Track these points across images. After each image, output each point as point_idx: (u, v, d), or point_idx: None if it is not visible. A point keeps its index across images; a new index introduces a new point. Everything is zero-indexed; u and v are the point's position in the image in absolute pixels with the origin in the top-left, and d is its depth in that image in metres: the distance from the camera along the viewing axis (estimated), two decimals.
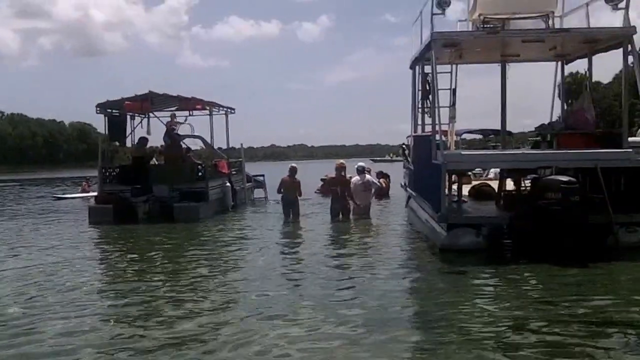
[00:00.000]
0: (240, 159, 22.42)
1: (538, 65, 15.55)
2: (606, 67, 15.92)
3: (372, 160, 38.32)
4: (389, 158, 71.86)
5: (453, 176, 12.51)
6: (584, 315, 6.41)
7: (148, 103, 18.50)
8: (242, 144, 24.01)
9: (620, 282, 8.18)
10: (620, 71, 12.43)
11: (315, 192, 23.07)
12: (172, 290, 8.06)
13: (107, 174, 17.96)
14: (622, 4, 11.02)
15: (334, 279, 8.61)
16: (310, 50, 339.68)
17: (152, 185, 17.11)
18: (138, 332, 6.16)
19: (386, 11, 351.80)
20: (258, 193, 23.33)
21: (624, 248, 9.85)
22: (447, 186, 11.17)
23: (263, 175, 24.24)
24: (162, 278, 8.98)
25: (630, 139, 12.18)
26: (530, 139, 21.45)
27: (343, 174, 16.01)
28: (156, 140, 19.86)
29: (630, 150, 11.04)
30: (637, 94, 11.36)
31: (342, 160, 16.69)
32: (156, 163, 18.94)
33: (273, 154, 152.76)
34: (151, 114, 20.15)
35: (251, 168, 25.46)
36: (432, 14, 11.28)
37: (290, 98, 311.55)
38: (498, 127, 15.36)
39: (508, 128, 18.11)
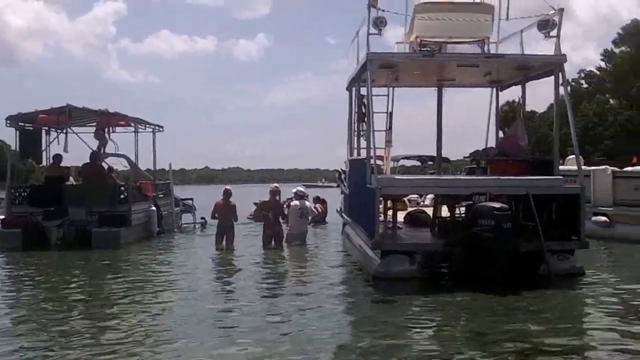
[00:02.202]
0: (169, 181, 22.13)
1: (476, 92, 16.14)
2: (541, 96, 16.69)
3: (304, 185, 38.81)
4: (320, 183, 72.64)
5: (388, 202, 12.82)
6: (516, 345, 6.59)
7: (65, 117, 17.64)
8: (170, 165, 23.71)
9: (552, 310, 8.46)
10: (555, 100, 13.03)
11: (248, 218, 23.04)
12: (81, 327, 7.72)
13: (17, 194, 17.17)
14: (554, 32, 11.61)
15: (261, 309, 8.63)
16: (248, 69, 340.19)
17: (68, 207, 16.43)
18: None
19: (325, 33, 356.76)
20: (187, 218, 23.03)
21: (556, 275, 10.20)
22: (381, 212, 11.39)
23: (192, 199, 23.95)
24: (74, 311, 8.68)
25: (561, 167, 12.77)
26: (467, 166, 22.12)
27: (277, 198, 16.03)
28: (73, 158, 19.31)
29: (561, 177, 11.58)
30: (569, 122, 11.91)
31: (276, 184, 16.74)
32: (73, 183, 18.40)
33: (207, 176, 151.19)
34: (69, 130, 19.36)
35: (182, 191, 25.08)
36: (369, 34, 11.54)
37: (226, 119, 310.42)
38: (434, 153, 15.84)
39: (447, 154, 18.69)
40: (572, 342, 6.90)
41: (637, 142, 45.22)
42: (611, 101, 59.49)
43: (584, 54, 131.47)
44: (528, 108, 14.86)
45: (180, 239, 18.59)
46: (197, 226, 21.90)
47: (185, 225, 22.08)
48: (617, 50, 61.34)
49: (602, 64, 63.15)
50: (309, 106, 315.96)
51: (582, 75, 61.30)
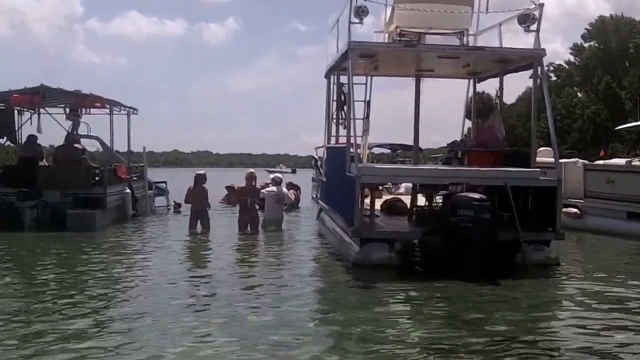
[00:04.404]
0: (142, 164, 21.97)
1: (448, 82, 16.27)
2: (511, 88, 16.92)
3: (267, 170, 38.83)
4: (279, 169, 73.15)
5: (366, 190, 12.92)
6: (491, 334, 6.73)
7: (39, 97, 17.30)
8: (144, 148, 23.56)
9: (528, 298, 8.65)
10: (524, 93, 13.25)
11: (220, 202, 22.98)
12: (57, 307, 7.69)
13: None
14: (534, 27, 11.78)
15: (239, 294, 8.65)
16: (218, 53, 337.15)
17: (42, 189, 16.31)
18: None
19: (295, 19, 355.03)
20: (160, 201, 22.93)
21: (532, 265, 10.48)
22: (360, 200, 11.48)
23: (165, 183, 23.85)
24: (49, 292, 8.58)
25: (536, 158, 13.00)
26: (433, 155, 22.34)
27: (253, 183, 16.06)
28: (47, 138, 18.99)
29: (539, 170, 11.80)
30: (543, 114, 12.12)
31: (252, 170, 16.74)
32: (47, 165, 18.19)
33: (176, 160, 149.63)
34: (42, 110, 18.98)
35: (153, 174, 24.93)
36: (350, 22, 11.58)
37: (195, 102, 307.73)
38: (404, 141, 15.98)
39: (420, 144, 18.84)
40: (546, 330, 7.14)
41: (604, 135, 46.13)
42: (579, 95, 60.44)
43: (552, 48, 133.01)
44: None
45: (155, 222, 18.50)
46: (170, 209, 21.86)
47: (158, 208, 22.03)
48: (586, 45, 62.32)
49: (571, 58, 64.13)
50: (277, 91, 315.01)
51: (551, 68, 62.08)
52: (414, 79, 14.99)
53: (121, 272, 10.36)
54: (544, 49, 12.00)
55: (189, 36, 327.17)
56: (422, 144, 21.20)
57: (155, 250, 12.87)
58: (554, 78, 61.92)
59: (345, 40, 11.87)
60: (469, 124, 16.58)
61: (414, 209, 12.66)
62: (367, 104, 15.00)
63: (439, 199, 12.81)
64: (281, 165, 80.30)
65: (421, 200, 13.20)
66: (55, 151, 18.51)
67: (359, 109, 13.57)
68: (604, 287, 9.48)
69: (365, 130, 15.06)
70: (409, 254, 11.61)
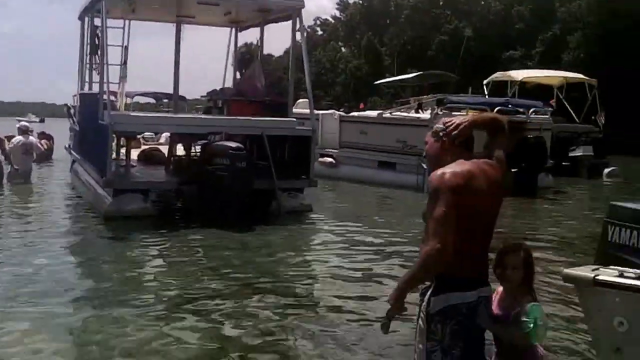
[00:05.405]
0: None
1: (214, 31, 16.19)
2: (279, 40, 17.27)
3: (17, 120, 36.15)
4: (27, 119, 69.08)
5: (122, 139, 12.54)
6: (248, 276, 7.04)
7: None
8: None
9: (282, 244, 9.08)
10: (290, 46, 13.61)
11: None
12: None
13: None
14: None
15: None
16: None
17: None
18: None
19: None
20: None
21: (286, 212, 10.94)
22: (114, 149, 11.14)
23: None
24: None
25: (295, 110, 13.52)
26: (198, 106, 22.33)
27: None
28: None
29: (295, 120, 12.27)
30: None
31: None
32: None
33: None
34: None
35: None
36: None
37: None
38: (170, 91, 15.70)
39: (184, 94, 18.63)
40: (299, 270, 7.58)
41: (365, 89, 49.20)
42: (343, 49, 63.66)
43: (319, 3, 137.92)
44: (266, 51, 15.35)
45: None
46: None
47: None
48: (350, 1, 65.59)
49: (337, 13, 67.19)
50: (33, 33, 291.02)
51: (318, 22, 64.61)
52: (175, 24, 14.66)
53: None
54: (302, 1, 12.33)
55: None
56: (190, 95, 20.99)
57: None
58: (320, 32, 64.54)
59: None
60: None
61: (172, 158, 12.56)
62: (125, 49, 14.38)
63: (198, 149, 12.82)
64: (30, 114, 75.47)
65: (180, 151, 13.12)
66: None
67: (115, 55, 13.01)
68: (351, 229, 10.23)
69: (123, 77, 14.48)
70: (166, 205, 11.53)
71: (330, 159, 17.80)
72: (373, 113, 19.03)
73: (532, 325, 3.97)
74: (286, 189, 11.35)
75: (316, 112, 15.83)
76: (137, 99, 25.50)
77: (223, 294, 6.33)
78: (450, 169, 3.30)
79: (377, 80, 35.38)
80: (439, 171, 3.31)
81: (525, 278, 4.04)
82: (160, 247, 8.66)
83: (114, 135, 11.03)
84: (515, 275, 3.82)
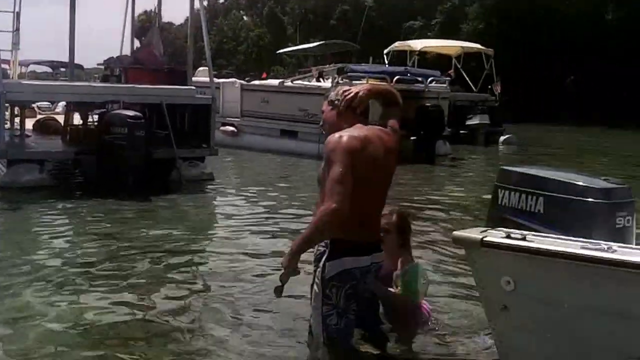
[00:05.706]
0: None
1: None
2: (179, 8, 17.12)
3: None
4: None
5: (15, 108, 12.22)
6: (144, 247, 7.01)
7: None
8: None
9: (183, 213, 9.23)
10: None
11: None
12: None
13: None
14: None
15: None
16: None
17: None
18: None
19: None
20: None
21: (187, 181, 11.02)
22: (7, 119, 10.87)
23: None
24: None
25: (194, 78, 13.53)
26: (95, 75, 21.86)
27: None
28: None
29: (194, 88, 12.32)
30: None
31: None
32: None
33: None
34: None
35: None
36: None
37: None
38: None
39: (81, 62, 18.17)
40: (198, 238, 7.73)
41: (268, 58, 49.18)
42: (245, 18, 63.14)
43: None
44: (166, 19, 15.19)
45: None
46: None
47: None
48: None
49: None
50: None
51: None
52: None
53: None
54: None
55: None
56: (90, 63, 20.46)
57: None
58: (222, 0, 63.70)
59: None
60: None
61: (69, 128, 12.36)
62: (17, 15, 13.93)
63: (95, 118, 12.65)
64: None
65: (77, 120, 12.91)
66: None
67: (6, 21, 12.62)
68: (252, 197, 10.50)
69: (15, 45, 14.07)
70: (63, 175, 11.38)
71: (231, 128, 17.88)
72: (274, 82, 19.20)
73: (410, 285, 4.36)
74: (187, 157, 11.40)
75: (217, 80, 15.94)
76: (32, 67, 24.69)
77: (121, 264, 6.36)
78: (348, 132, 3.42)
79: (279, 50, 35.48)
80: (336, 134, 3.42)
81: (401, 241, 4.40)
82: (57, 217, 8.57)
83: (7, 105, 10.77)
84: (388, 239, 4.14)
